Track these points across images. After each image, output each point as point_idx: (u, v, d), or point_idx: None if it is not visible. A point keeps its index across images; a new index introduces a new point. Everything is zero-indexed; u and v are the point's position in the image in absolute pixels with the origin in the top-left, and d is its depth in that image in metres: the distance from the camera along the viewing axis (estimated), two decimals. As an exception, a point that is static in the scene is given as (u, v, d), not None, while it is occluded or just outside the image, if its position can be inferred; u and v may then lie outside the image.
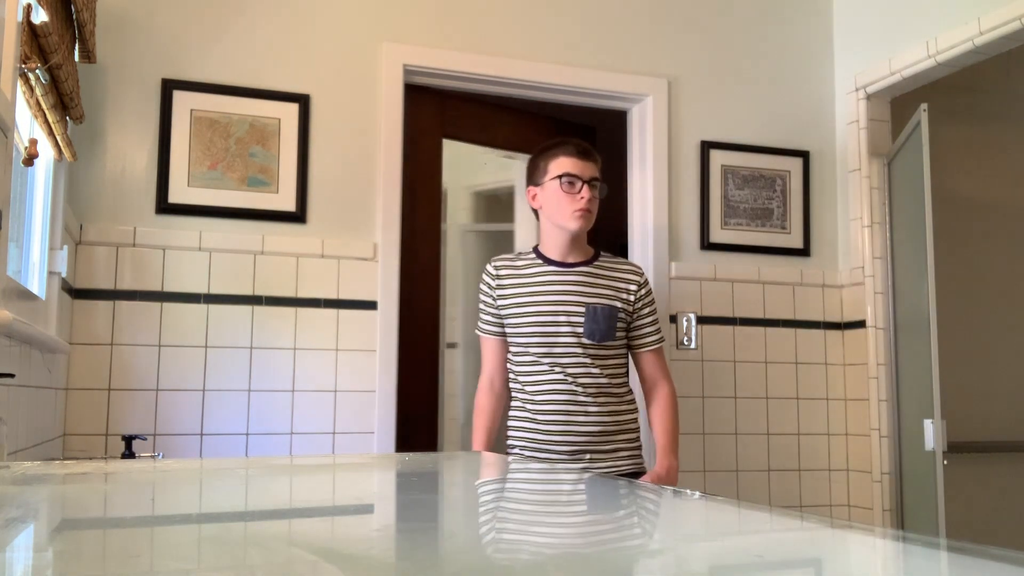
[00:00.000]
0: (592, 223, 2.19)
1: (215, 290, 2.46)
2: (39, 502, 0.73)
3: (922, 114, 2.73)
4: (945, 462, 2.58)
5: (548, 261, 2.20)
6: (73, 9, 1.86)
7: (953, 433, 2.99)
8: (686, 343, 2.89)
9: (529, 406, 2.16)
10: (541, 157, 2.21)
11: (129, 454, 2.18)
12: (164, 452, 2.37)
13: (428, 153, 2.80)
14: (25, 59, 1.54)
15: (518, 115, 2.95)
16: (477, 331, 2.27)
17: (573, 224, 2.14)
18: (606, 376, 2.16)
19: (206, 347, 2.44)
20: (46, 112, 1.76)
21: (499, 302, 2.20)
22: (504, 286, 2.20)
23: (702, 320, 2.92)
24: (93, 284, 2.37)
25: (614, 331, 2.16)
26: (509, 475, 1.01)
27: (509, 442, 2.22)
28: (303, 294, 2.54)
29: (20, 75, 1.54)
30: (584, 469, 2.10)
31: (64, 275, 2.10)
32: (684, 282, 2.92)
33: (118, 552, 0.51)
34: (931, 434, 2.62)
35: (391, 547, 0.52)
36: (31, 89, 1.64)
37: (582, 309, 2.13)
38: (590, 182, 2.15)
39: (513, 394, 2.23)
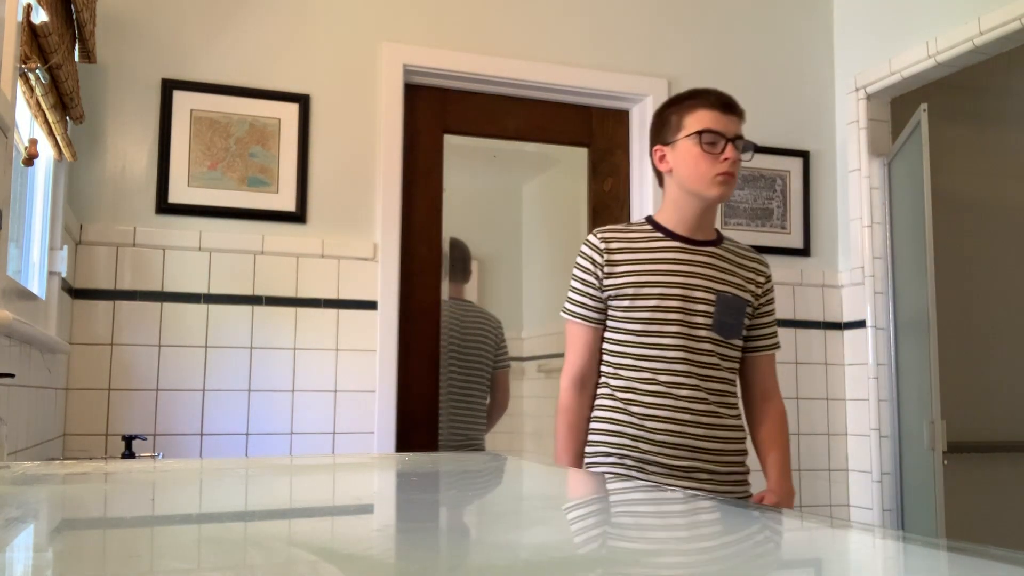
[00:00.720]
0: (733, 191, 1.84)
1: (215, 290, 2.46)
2: (39, 502, 0.73)
3: (922, 114, 2.73)
4: (945, 462, 2.58)
5: (671, 235, 1.83)
6: (73, 9, 1.86)
7: (953, 433, 2.99)
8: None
9: (635, 408, 1.77)
10: (673, 110, 1.85)
11: (129, 454, 2.18)
12: (164, 452, 2.37)
13: (428, 151, 2.80)
14: (25, 59, 1.54)
15: (529, 103, 2.94)
16: (565, 315, 1.88)
17: (713, 191, 1.78)
18: (730, 382, 1.83)
19: (206, 347, 2.44)
20: (46, 112, 1.76)
21: (607, 281, 1.80)
22: (617, 261, 1.81)
23: (702, 320, 2.92)
24: (93, 284, 2.37)
25: (742, 327, 1.83)
26: (617, 496, 0.85)
27: (593, 450, 1.83)
28: (303, 294, 2.54)
29: (20, 75, 1.54)
30: (696, 491, 1.71)
31: (64, 275, 2.10)
32: (684, 282, 2.92)
33: (118, 552, 0.51)
34: (931, 434, 2.62)
35: (391, 547, 0.52)
36: (31, 89, 1.64)
37: (712, 297, 1.79)
38: (734, 140, 1.79)
39: (607, 392, 1.83)
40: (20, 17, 1.48)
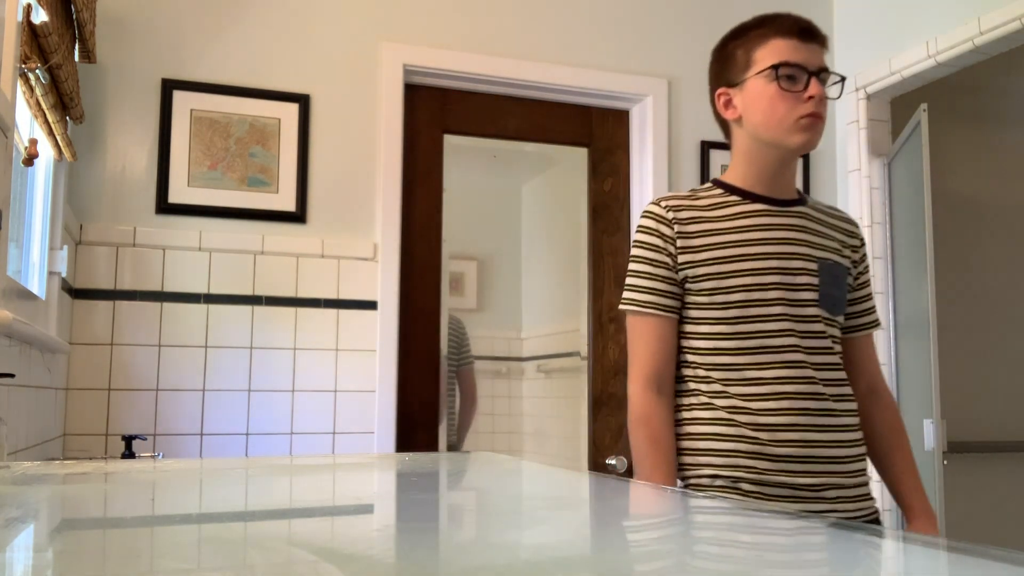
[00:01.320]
0: (821, 138, 1.49)
1: (215, 290, 2.46)
2: (39, 502, 0.73)
3: (922, 114, 2.73)
4: (945, 462, 2.58)
5: (750, 196, 1.50)
6: (73, 9, 1.86)
7: (953, 433, 2.99)
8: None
9: (742, 417, 1.41)
10: (739, 43, 1.52)
11: (129, 454, 2.18)
12: (164, 452, 2.37)
13: (428, 151, 2.80)
14: (25, 59, 1.54)
15: (529, 103, 2.94)
16: (628, 307, 1.50)
17: (795, 138, 1.44)
18: (843, 368, 1.50)
19: (206, 347, 2.44)
20: (46, 112, 1.76)
21: (682, 258, 1.46)
22: (690, 233, 1.47)
23: (702, 320, 2.92)
24: (93, 284, 2.37)
25: (844, 301, 1.51)
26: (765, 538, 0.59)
27: (695, 472, 1.46)
28: (303, 294, 2.54)
29: (20, 75, 1.54)
30: (826, 514, 1.38)
31: (64, 275, 2.10)
32: (684, 282, 2.92)
33: (118, 552, 0.51)
34: (931, 434, 2.62)
35: (391, 547, 0.52)
36: (31, 89, 1.64)
37: (814, 266, 1.45)
38: (818, 74, 1.45)
39: (702, 401, 1.47)
40: (20, 17, 1.48)
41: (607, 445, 2.88)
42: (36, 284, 1.98)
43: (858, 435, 1.47)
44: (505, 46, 2.82)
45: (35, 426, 1.84)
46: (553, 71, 2.85)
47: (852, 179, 3.06)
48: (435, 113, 2.82)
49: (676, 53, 3.02)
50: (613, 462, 2.85)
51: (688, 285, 1.47)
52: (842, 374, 1.48)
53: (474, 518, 0.68)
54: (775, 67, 1.44)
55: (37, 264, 1.99)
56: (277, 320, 2.51)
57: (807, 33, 1.46)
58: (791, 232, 1.47)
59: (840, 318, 1.51)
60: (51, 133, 1.88)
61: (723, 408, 1.43)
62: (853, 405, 1.48)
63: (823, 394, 1.43)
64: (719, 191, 1.52)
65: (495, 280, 3.07)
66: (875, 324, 1.60)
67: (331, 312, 2.56)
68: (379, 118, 2.67)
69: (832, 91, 1.49)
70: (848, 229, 1.57)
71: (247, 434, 2.45)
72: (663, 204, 1.50)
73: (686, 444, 1.47)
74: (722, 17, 3.09)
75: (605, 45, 2.93)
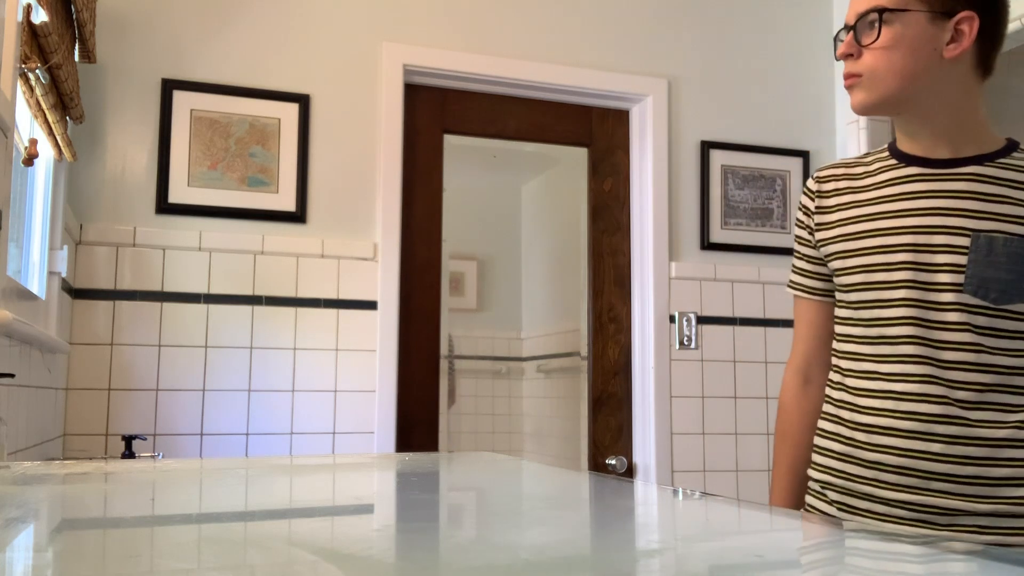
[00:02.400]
0: (873, 92, 1.24)
1: (215, 290, 2.46)
2: (39, 502, 0.73)
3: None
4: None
5: (906, 159, 1.28)
6: (73, 9, 1.86)
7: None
8: (686, 343, 2.89)
9: (847, 414, 1.28)
10: None
11: (129, 454, 2.18)
12: (164, 452, 2.37)
13: (428, 151, 2.80)
14: (25, 59, 1.54)
15: (529, 103, 2.94)
16: (788, 288, 1.44)
17: (851, 103, 1.29)
18: (1003, 372, 1.19)
19: (206, 347, 2.44)
20: (46, 112, 1.76)
21: (819, 234, 1.35)
22: (829, 208, 1.34)
23: (702, 320, 2.93)
24: (93, 284, 2.37)
25: (1019, 284, 1.18)
26: None
27: (810, 484, 1.36)
28: (303, 294, 2.54)
29: (20, 75, 1.54)
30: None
31: (64, 275, 2.10)
32: (684, 282, 2.92)
33: (118, 552, 0.51)
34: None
35: (391, 547, 0.52)
36: (31, 89, 1.64)
37: (965, 242, 1.20)
38: (856, 26, 1.25)
39: (825, 393, 1.36)
40: (20, 17, 1.48)
41: (607, 445, 2.88)
42: (36, 284, 1.98)
43: (1011, 453, 1.18)
44: (505, 46, 2.82)
45: (35, 426, 1.84)
46: (553, 71, 2.85)
47: (852, 179, 3.06)
48: (435, 113, 2.82)
49: (676, 53, 3.02)
50: (613, 462, 2.86)
51: (829, 264, 1.33)
52: (997, 375, 1.19)
53: (474, 518, 0.68)
54: (838, 32, 1.30)
55: (37, 264, 1.99)
56: (277, 320, 2.51)
57: None
58: (947, 200, 1.22)
59: (1011, 306, 1.19)
60: (51, 133, 1.88)
61: (836, 403, 1.31)
62: (1006, 417, 1.19)
63: (945, 396, 1.19)
64: (885, 154, 1.32)
65: (495, 280, 3.07)
66: None
67: (331, 312, 2.56)
68: (379, 118, 2.67)
69: (866, 39, 1.23)
70: None
71: (247, 434, 2.45)
72: (815, 175, 1.38)
73: (815, 443, 1.35)
74: (722, 17, 3.09)
75: (605, 45, 2.94)
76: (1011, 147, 1.27)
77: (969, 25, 1.22)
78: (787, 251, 3.05)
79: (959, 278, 1.19)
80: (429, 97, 2.81)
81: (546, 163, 3.14)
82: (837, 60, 1.34)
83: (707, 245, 2.96)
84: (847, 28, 1.27)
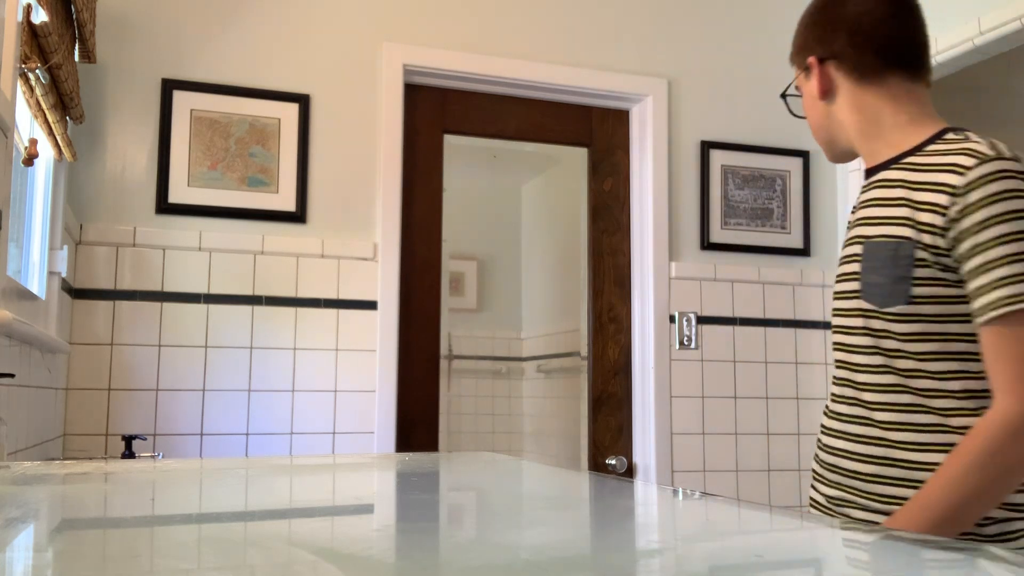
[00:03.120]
0: (823, 147, 1.43)
1: (215, 290, 2.46)
2: (39, 502, 0.73)
3: (922, 114, 2.73)
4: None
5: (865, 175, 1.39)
6: (73, 9, 1.86)
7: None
8: (686, 343, 2.89)
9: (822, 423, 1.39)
10: None
11: (129, 454, 2.18)
12: (164, 452, 2.37)
13: (428, 151, 2.80)
14: (25, 59, 1.54)
15: (529, 103, 2.94)
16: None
17: None
18: (900, 371, 1.22)
19: (206, 347, 2.44)
20: (46, 112, 1.76)
21: None
22: None
23: (702, 320, 2.93)
24: (93, 284, 2.37)
25: (904, 287, 1.20)
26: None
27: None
28: (303, 294, 2.54)
29: (20, 75, 1.54)
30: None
31: (64, 275, 2.10)
32: (684, 282, 2.92)
33: (118, 552, 0.51)
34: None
35: (391, 547, 0.52)
36: (31, 89, 1.64)
37: (860, 249, 1.28)
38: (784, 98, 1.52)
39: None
40: (20, 17, 1.48)
41: (607, 445, 2.88)
42: (36, 284, 1.98)
43: (924, 457, 1.19)
44: (505, 46, 2.82)
45: (35, 426, 1.84)
46: (553, 71, 2.85)
47: (852, 179, 3.06)
48: (435, 113, 2.82)
49: (676, 53, 3.02)
50: (613, 462, 2.86)
51: None
52: (889, 378, 1.23)
53: (474, 518, 0.68)
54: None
55: (37, 264, 1.99)
56: (277, 320, 2.51)
57: None
58: (861, 210, 1.31)
59: (901, 308, 1.20)
60: (51, 133, 1.88)
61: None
62: (920, 417, 1.20)
63: (856, 398, 1.27)
64: None
65: (495, 280, 3.07)
66: (984, 309, 1.14)
67: (331, 312, 2.56)
68: (379, 118, 2.67)
69: (794, 108, 1.51)
70: (938, 183, 1.19)
71: (247, 434, 2.45)
72: None
73: None
74: (722, 17, 3.09)
75: (605, 45, 2.94)
76: (928, 142, 1.28)
77: (816, 69, 1.37)
78: (788, 251, 3.05)
79: (858, 286, 1.28)
80: (429, 97, 2.81)
81: (546, 163, 3.14)
82: None
83: (707, 245, 2.96)
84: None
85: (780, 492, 2.96)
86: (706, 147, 2.99)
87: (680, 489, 0.86)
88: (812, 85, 1.38)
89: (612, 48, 2.94)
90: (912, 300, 1.20)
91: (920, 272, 1.19)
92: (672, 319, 2.89)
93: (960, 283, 1.18)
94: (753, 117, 3.08)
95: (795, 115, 1.49)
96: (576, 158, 3.02)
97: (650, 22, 3.00)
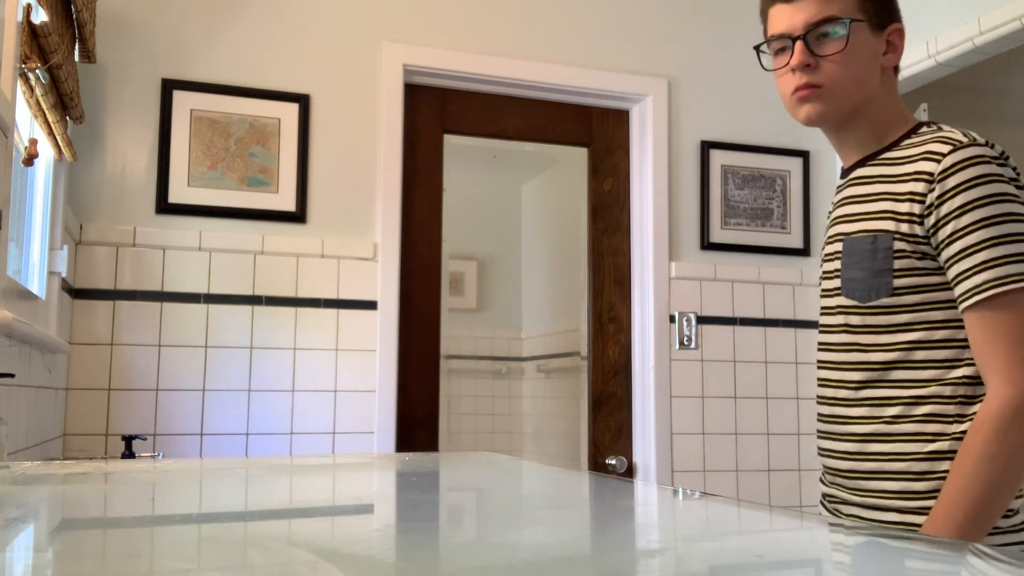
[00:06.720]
0: (832, 103, 1.26)
1: (215, 290, 2.46)
2: (39, 502, 0.73)
3: (922, 114, 2.73)
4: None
5: (843, 172, 1.36)
6: (73, 9, 1.86)
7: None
8: (686, 343, 2.89)
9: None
10: (761, 15, 1.43)
11: (129, 454, 2.18)
12: (164, 452, 2.37)
13: (429, 151, 2.80)
14: (25, 59, 1.54)
15: (529, 103, 2.94)
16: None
17: (799, 114, 1.29)
18: (876, 364, 1.23)
19: (206, 347, 2.44)
20: (46, 112, 1.76)
21: None
22: None
23: (702, 320, 2.92)
24: (93, 284, 2.37)
25: (886, 279, 1.20)
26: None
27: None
28: (303, 294, 2.54)
29: (20, 75, 1.54)
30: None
31: (64, 275, 2.10)
32: (684, 282, 2.92)
33: (118, 552, 0.51)
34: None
35: (391, 547, 0.52)
36: (31, 89, 1.64)
37: (840, 247, 1.29)
38: (803, 37, 1.26)
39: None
40: (20, 17, 1.48)
41: (607, 445, 2.88)
42: (36, 284, 1.98)
43: (902, 448, 1.20)
44: (505, 46, 2.82)
45: (35, 426, 1.84)
46: (553, 71, 2.85)
47: (852, 179, 3.06)
48: (435, 113, 2.82)
49: (676, 53, 3.02)
50: (613, 462, 2.86)
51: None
52: (864, 375, 1.24)
53: (474, 518, 0.68)
54: (768, 42, 1.35)
55: (37, 264, 1.99)
56: (277, 320, 2.51)
57: None
58: (839, 208, 1.31)
59: (883, 300, 1.21)
60: (51, 133, 1.88)
61: None
62: (881, 412, 1.23)
63: (834, 398, 1.29)
64: None
65: (495, 280, 3.07)
66: (967, 296, 1.14)
67: (331, 312, 2.56)
68: (379, 118, 2.67)
69: (827, 47, 1.25)
70: (914, 173, 1.19)
71: (247, 434, 2.45)
72: None
73: None
74: (722, 17, 3.09)
75: (605, 45, 2.94)
76: (904, 137, 1.28)
77: (899, 37, 1.30)
78: (788, 251, 3.05)
79: (839, 283, 1.29)
80: (429, 97, 2.81)
81: (546, 163, 3.14)
82: (779, 70, 1.31)
83: (707, 245, 2.96)
84: (790, 38, 1.28)
85: (780, 492, 2.96)
86: (706, 147, 2.99)
87: (680, 489, 0.86)
88: (882, 46, 1.28)
89: (612, 48, 2.94)
90: (894, 292, 1.21)
91: (900, 264, 1.20)
92: (672, 319, 2.89)
93: (940, 271, 1.18)
94: (753, 117, 3.08)
95: (765, 68, 1.38)
96: (576, 158, 3.02)
97: (650, 22, 3.00)
